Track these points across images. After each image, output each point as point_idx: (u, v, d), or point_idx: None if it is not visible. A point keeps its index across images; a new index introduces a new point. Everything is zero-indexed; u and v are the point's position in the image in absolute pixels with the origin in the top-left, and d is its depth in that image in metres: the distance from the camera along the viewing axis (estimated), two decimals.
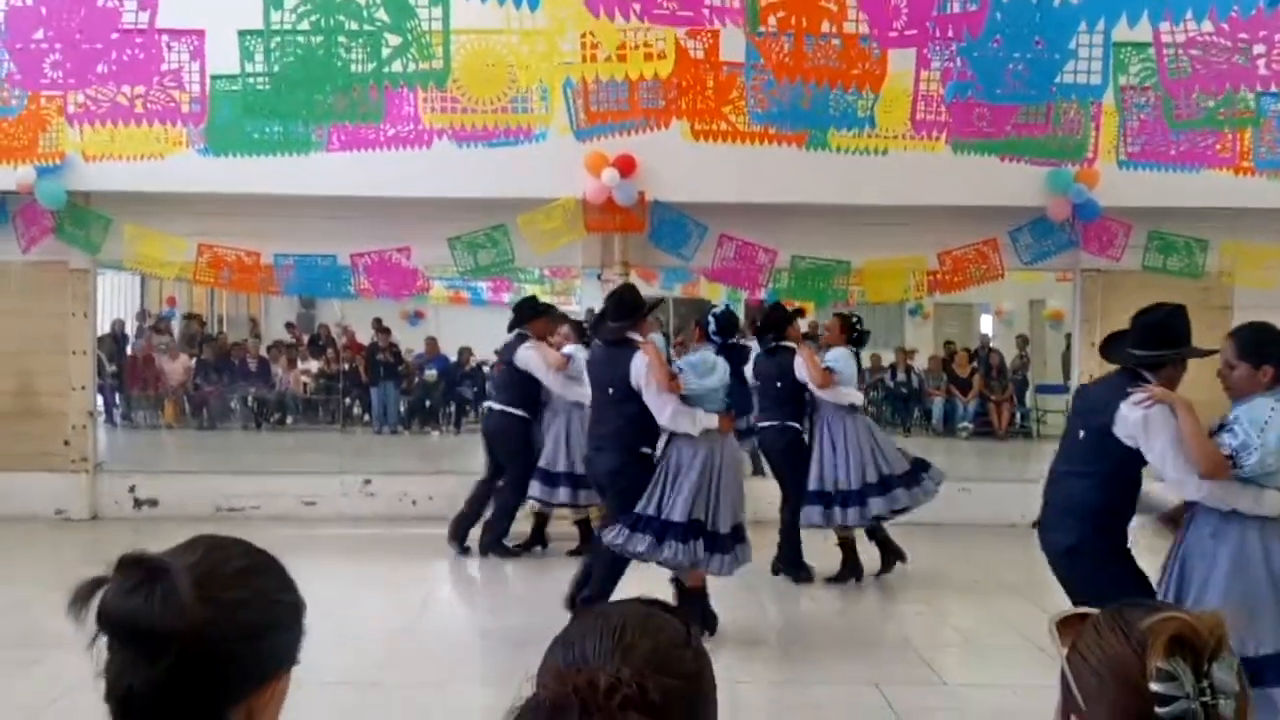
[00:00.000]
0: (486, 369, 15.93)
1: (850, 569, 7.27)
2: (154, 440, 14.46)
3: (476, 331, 16.32)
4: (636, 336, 5.88)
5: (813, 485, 7.00)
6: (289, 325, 16.32)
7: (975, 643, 6.13)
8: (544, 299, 16.85)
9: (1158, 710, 1.07)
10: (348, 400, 14.48)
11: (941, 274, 9.37)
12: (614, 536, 5.68)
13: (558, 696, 0.99)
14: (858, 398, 7.21)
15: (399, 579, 7.44)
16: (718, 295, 12.61)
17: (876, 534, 7.37)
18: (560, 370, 7.56)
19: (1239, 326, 3.91)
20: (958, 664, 5.72)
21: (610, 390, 5.87)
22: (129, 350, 14.53)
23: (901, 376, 15.66)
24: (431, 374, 15.25)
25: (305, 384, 15.03)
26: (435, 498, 9.56)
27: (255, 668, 1.26)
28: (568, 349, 7.76)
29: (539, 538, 8.28)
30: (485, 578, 7.80)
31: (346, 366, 14.35)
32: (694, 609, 5.83)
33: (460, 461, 13.48)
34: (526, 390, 7.84)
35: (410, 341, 15.71)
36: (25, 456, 9.28)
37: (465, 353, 15.62)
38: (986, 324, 17.55)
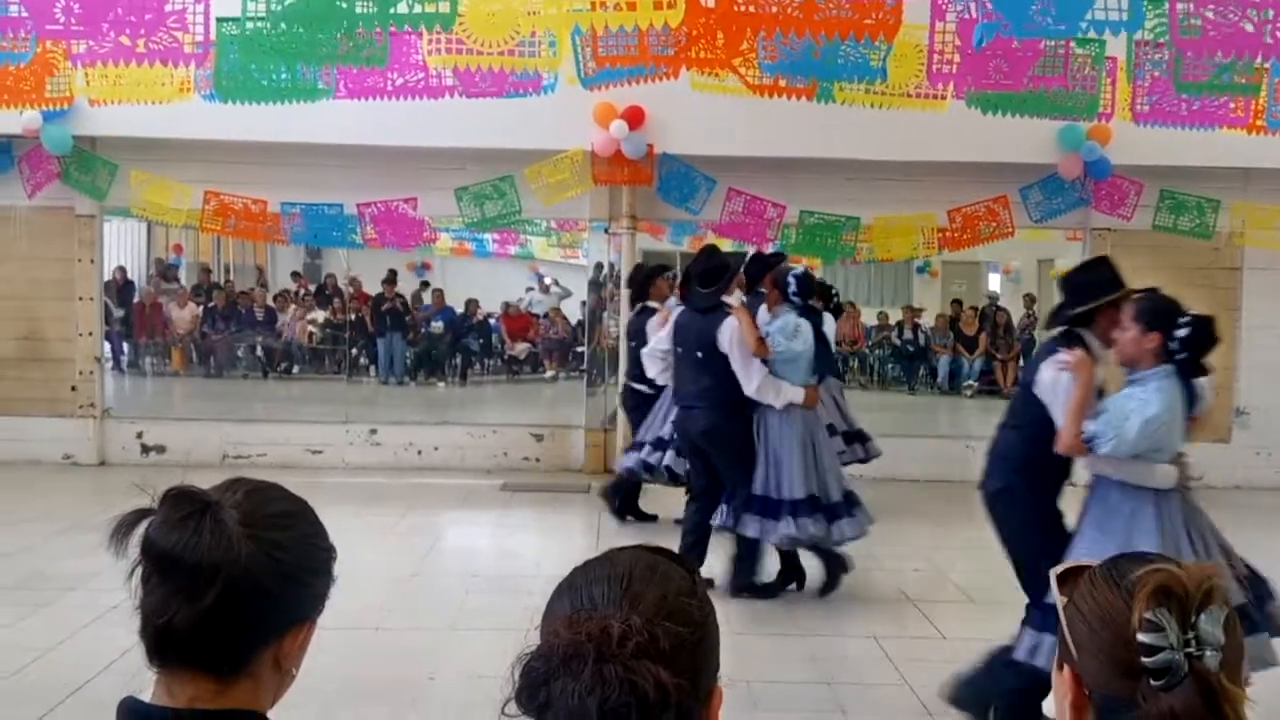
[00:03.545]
0: (492, 321, 15.96)
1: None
2: (161, 387, 14.51)
3: (482, 283, 16.33)
4: (729, 300, 5.88)
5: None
6: (295, 275, 16.30)
7: (975, 598, 6.17)
8: (550, 252, 16.62)
9: (1144, 660, 1.07)
10: (354, 350, 14.50)
11: (951, 231, 9.32)
12: (727, 520, 5.76)
13: (570, 644, 0.99)
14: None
15: (404, 527, 7.51)
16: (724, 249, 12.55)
17: None
18: None
19: (1146, 290, 3.95)
20: (957, 618, 5.76)
21: (699, 354, 5.87)
22: (136, 297, 14.53)
23: (908, 334, 15.64)
24: (438, 325, 15.26)
25: (311, 334, 15.04)
26: (441, 448, 9.63)
27: (289, 610, 1.27)
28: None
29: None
30: (489, 527, 7.86)
31: (353, 317, 14.36)
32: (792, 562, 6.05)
33: (466, 413, 13.55)
34: None
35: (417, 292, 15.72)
36: (33, 401, 9.34)
37: (472, 304, 15.61)
38: (994, 282, 17.47)
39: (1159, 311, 3.76)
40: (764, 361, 5.73)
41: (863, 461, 7.71)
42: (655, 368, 6.42)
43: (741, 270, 6.23)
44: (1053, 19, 4.74)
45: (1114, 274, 4.09)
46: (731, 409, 5.83)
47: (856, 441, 7.66)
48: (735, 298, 6.06)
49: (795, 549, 6.01)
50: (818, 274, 13.26)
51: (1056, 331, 4.15)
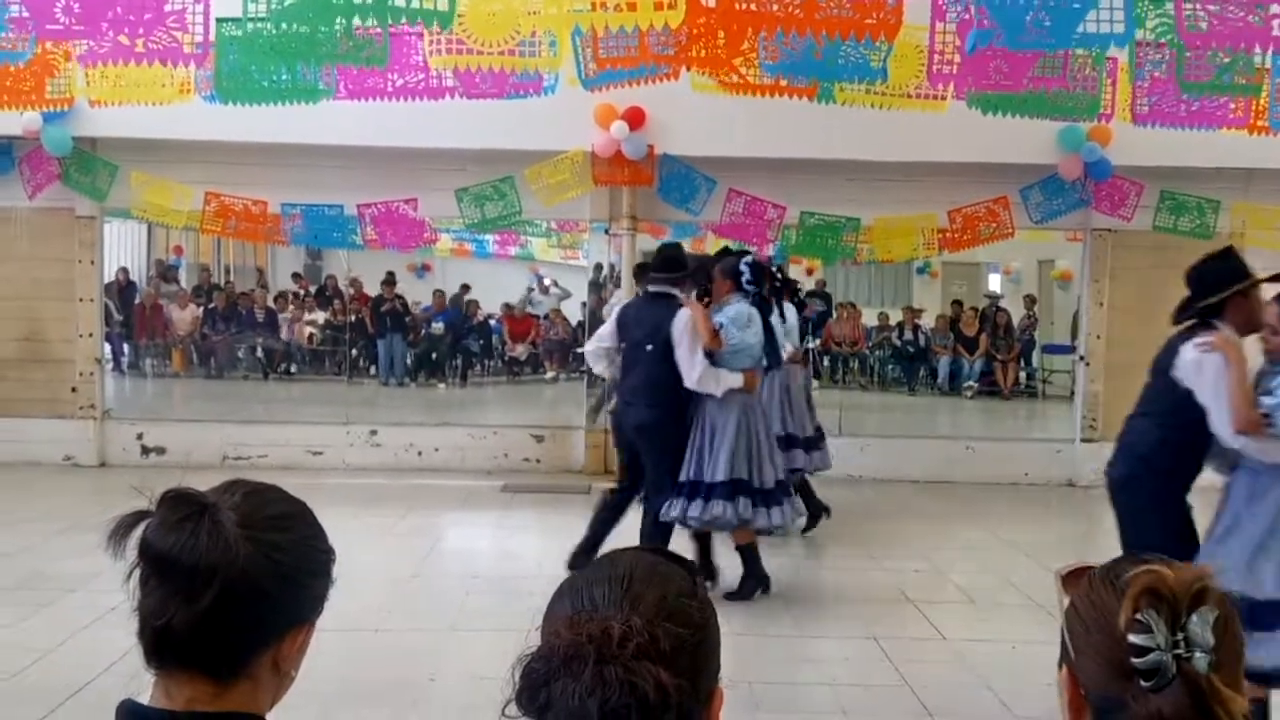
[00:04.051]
0: (493, 323, 15.97)
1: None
2: (161, 388, 14.51)
3: (483, 284, 16.33)
4: (678, 293, 5.89)
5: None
6: (296, 276, 16.32)
7: (976, 599, 6.17)
8: (551, 253, 16.54)
9: (1133, 661, 1.07)
10: (354, 351, 14.50)
11: (951, 232, 9.31)
12: (667, 511, 5.73)
13: (571, 645, 0.99)
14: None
15: (404, 528, 7.51)
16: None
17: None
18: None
19: None
20: (957, 619, 5.76)
21: (649, 346, 5.86)
22: (137, 299, 14.54)
23: (908, 335, 15.64)
24: (438, 326, 15.26)
25: (311, 335, 15.04)
26: (441, 449, 9.63)
27: (288, 612, 1.26)
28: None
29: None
30: (489, 528, 7.85)
31: (354, 318, 14.37)
32: (752, 567, 5.97)
33: (466, 414, 13.56)
34: None
35: (417, 294, 15.73)
36: (34, 403, 9.34)
37: (472, 305, 15.61)
38: (994, 283, 17.48)
39: None
40: (709, 354, 5.72)
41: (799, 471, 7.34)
42: (600, 364, 6.37)
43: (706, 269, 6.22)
44: (1046, 30, 4.75)
45: (1241, 263, 4.08)
46: (669, 405, 5.84)
47: (802, 448, 7.25)
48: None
49: (707, 531, 6.00)
50: (817, 275, 13.26)
51: (1186, 325, 4.11)
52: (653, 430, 5.87)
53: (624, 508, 6.07)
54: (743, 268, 5.94)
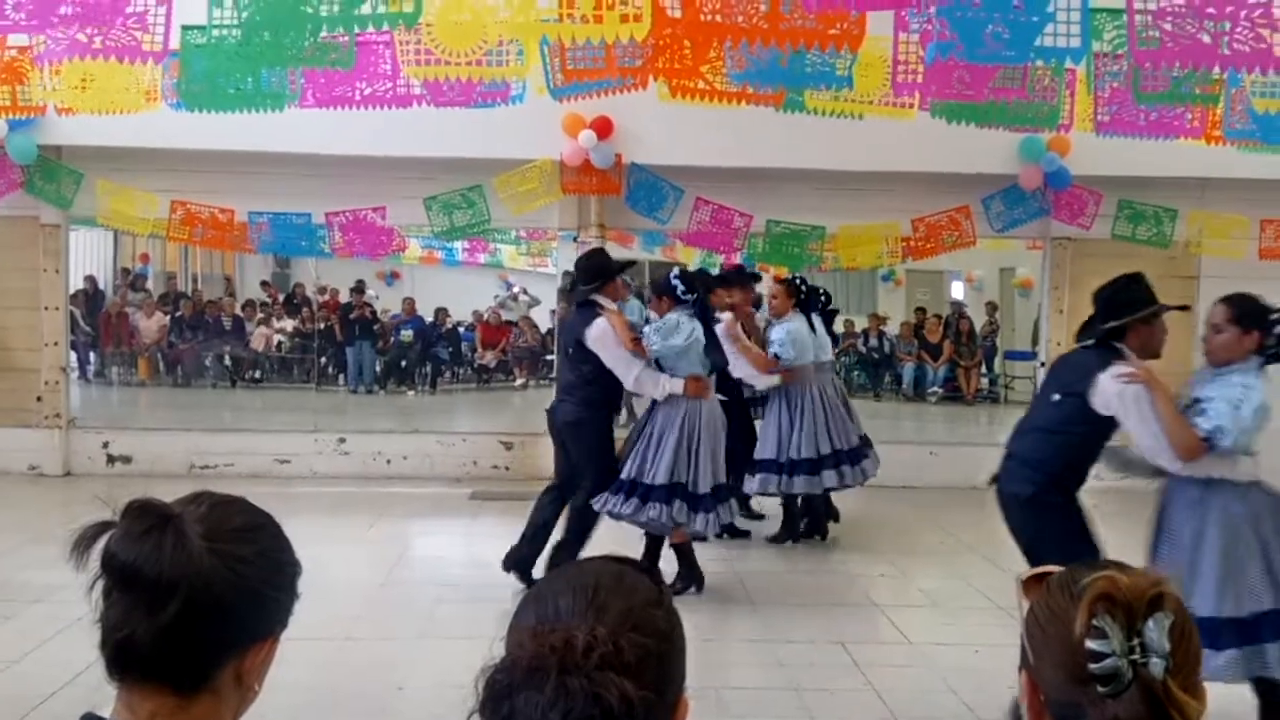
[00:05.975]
0: (462, 330, 15.95)
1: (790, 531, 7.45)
2: (128, 397, 14.37)
3: (452, 292, 16.31)
4: (603, 301, 5.99)
5: (768, 453, 7.05)
6: (265, 284, 16.23)
7: (940, 603, 6.24)
8: (520, 260, 16.58)
9: (1090, 667, 1.08)
10: (323, 359, 14.43)
11: (915, 240, 9.42)
12: (600, 503, 5.84)
13: (534, 656, 0.99)
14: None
15: (372, 537, 7.49)
16: (692, 259, 12.63)
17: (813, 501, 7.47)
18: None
19: (1231, 294, 4.02)
20: (922, 623, 5.83)
21: (569, 350, 6.07)
22: (104, 307, 14.41)
23: (874, 342, 15.78)
24: (407, 334, 15.23)
25: (280, 343, 14.96)
26: (410, 457, 9.61)
27: (251, 626, 1.26)
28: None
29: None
30: (458, 536, 7.85)
31: (322, 326, 14.30)
32: (686, 566, 6.11)
33: (435, 421, 13.52)
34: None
35: (386, 302, 15.69)
36: None
37: (441, 313, 15.59)
38: (958, 291, 17.67)
39: (1254, 312, 3.87)
40: (657, 360, 5.89)
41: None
42: None
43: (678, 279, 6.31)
44: (1005, 43, 4.83)
45: (1148, 290, 4.18)
46: (593, 404, 6.02)
47: (848, 462, 7.23)
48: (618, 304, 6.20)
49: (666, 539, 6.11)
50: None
51: (1087, 344, 4.19)
52: (575, 426, 6.05)
53: (562, 502, 6.17)
54: (674, 281, 6.08)
